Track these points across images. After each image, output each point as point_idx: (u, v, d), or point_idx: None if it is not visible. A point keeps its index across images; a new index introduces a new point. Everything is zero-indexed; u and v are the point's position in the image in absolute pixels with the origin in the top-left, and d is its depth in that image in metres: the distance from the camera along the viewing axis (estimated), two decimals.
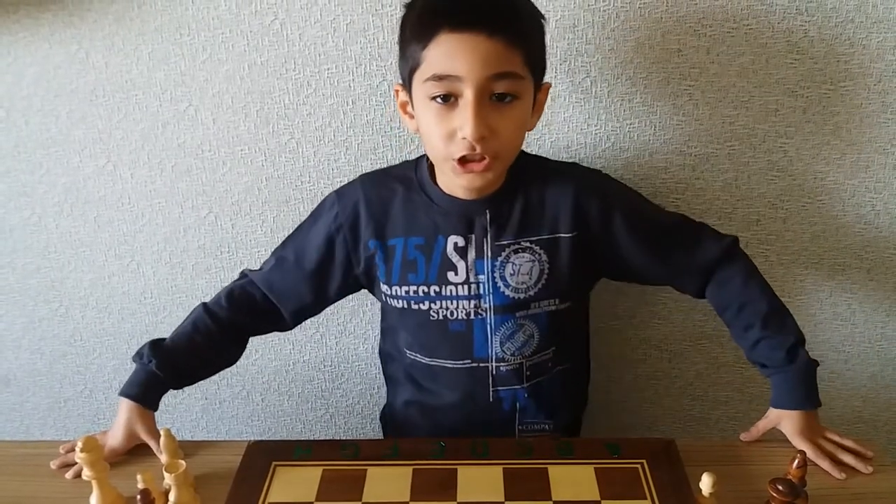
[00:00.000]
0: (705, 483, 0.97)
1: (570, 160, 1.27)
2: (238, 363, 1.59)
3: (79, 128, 1.39)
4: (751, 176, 1.39)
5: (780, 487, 0.88)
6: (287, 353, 1.59)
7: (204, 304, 1.22)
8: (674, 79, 1.31)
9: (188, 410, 1.64)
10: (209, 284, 1.52)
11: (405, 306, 1.17)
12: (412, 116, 1.09)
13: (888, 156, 1.36)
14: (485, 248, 1.13)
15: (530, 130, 1.10)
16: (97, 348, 1.61)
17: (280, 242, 1.24)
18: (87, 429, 1.01)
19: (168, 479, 1.00)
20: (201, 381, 1.64)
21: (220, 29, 1.30)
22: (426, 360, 1.21)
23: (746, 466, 1.07)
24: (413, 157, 1.24)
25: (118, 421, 1.11)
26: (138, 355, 1.15)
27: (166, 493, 1.01)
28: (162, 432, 1.05)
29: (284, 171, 1.41)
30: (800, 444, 1.07)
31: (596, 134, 1.36)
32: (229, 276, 1.50)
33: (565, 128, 1.35)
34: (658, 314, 1.53)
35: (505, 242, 1.13)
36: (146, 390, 1.12)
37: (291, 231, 1.24)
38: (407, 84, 1.06)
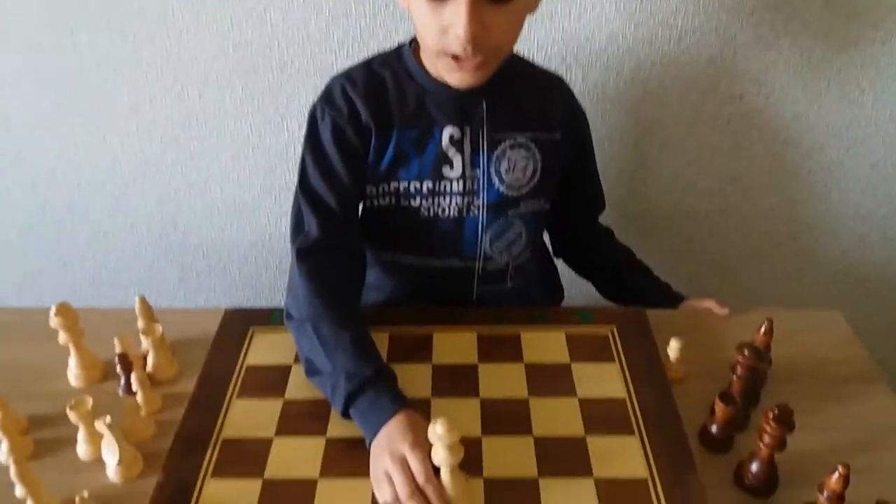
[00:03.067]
0: (673, 348, 0.99)
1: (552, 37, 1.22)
2: (212, 235, 1.59)
3: None
4: (736, 49, 1.35)
5: (746, 352, 0.90)
6: (262, 225, 1.57)
7: (320, 316, 0.97)
8: None
9: (164, 282, 1.65)
10: (178, 156, 1.49)
11: (392, 203, 1.10)
12: None
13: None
14: (481, 140, 1.06)
15: (532, 12, 1.02)
16: (68, 220, 1.58)
17: (295, 203, 1.07)
18: (62, 299, 0.99)
19: (145, 342, 1.02)
20: (176, 251, 1.63)
21: None
22: (408, 260, 1.17)
23: (714, 335, 1.09)
24: None
25: (409, 430, 0.86)
26: (358, 385, 0.91)
27: (144, 357, 1.03)
28: (137, 299, 1.05)
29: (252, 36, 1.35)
30: (705, 304, 1.17)
31: (581, 4, 1.31)
32: (198, 148, 1.47)
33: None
34: (635, 191, 1.53)
35: (502, 136, 1.08)
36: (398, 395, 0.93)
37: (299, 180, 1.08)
38: None
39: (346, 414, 0.91)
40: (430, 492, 0.80)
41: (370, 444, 0.87)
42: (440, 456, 0.79)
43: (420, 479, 0.80)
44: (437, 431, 0.77)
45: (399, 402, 0.89)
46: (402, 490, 0.80)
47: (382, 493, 0.82)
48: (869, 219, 1.56)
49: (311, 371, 0.96)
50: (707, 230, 1.59)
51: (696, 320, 1.13)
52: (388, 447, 0.84)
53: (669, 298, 1.22)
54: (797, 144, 1.46)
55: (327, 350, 0.94)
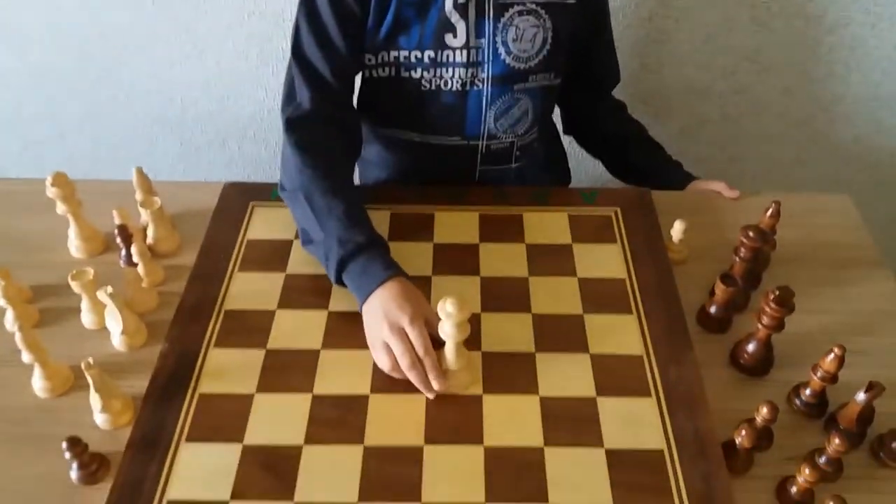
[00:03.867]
0: (676, 229, 0.98)
1: None
2: (210, 108, 1.55)
3: None
4: None
5: (751, 233, 0.89)
6: (261, 98, 1.53)
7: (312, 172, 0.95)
8: None
9: (164, 156, 1.62)
10: (172, 26, 1.42)
11: (392, 74, 1.05)
12: None
13: None
14: (486, 5, 1.00)
15: None
16: (61, 90, 1.54)
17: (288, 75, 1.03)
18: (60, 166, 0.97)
19: (145, 215, 1.01)
20: (174, 125, 1.60)
21: None
22: (409, 136, 1.13)
23: (719, 218, 1.08)
24: None
25: (405, 301, 0.85)
26: (350, 251, 0.90)
27: (144, 229, 1.02)
28: (134, 170, 1.03)
29: None
30: (714, 186, 1.14)
31: None
32: (192, 16, 1.40)
33: None
34: (648, 67, 1.47)
35: (510, 0, 1.01)
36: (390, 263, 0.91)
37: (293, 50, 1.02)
38: None
39: (339, 280, 0.91)
40: (428, 363, 0.81)
41: (362, 308, 0.87)
42: (447, 332, 0.80)
43: (419, 351, 0.82)
44: (447, 309, 0.77)
45: (391, 268, 0.88)
46: (403, 361, 0.82)
47: (381, 362, 0.84)
48: (888, 102, 1.50)
49: (306, 240, 0.95)
50: (719, 112, 1.54)
51: (702, 203, 1.11)
52: (385, 317, 0.83)
53: (679, 177, 1.19)
54: (820, 19, 1.39)
55: (320, 219, 0.92)
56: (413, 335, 0.82)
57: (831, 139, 1.57)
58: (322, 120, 1.00)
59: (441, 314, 0.79)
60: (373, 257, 0.89)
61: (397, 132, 1.14)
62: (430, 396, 0.83)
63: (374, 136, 1.17)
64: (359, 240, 0.89)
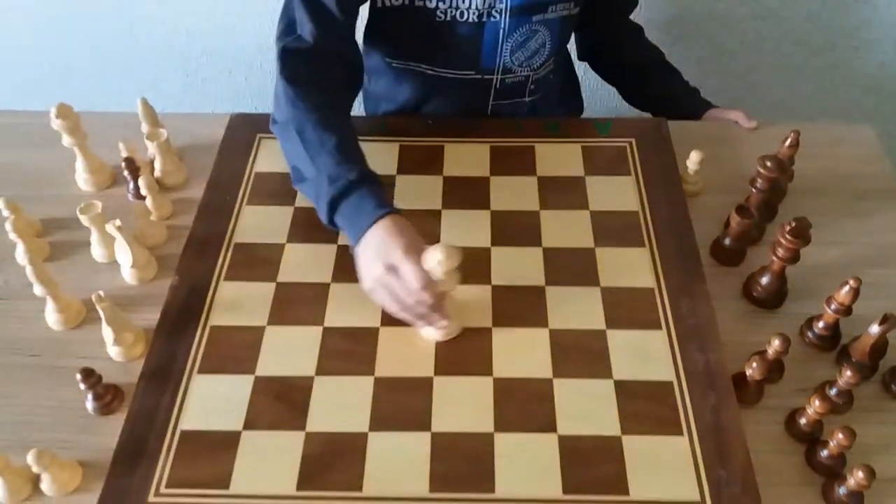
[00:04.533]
0: (692, 160, 0.96)
1: None
2: (216, 39, 1.51)
3: None
4: None
5: (769, 163, 0.87)
6: (267, 30, 1.48)
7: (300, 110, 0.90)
8: None
9: (170, 88, 1.60)
10: None
11: (405, 3, 1.01)
12: None
13: None
14: None
15: None
16: (65, 22, 1.51)
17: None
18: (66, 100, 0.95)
19: (151, 147, 1.00)
20: (179, 56, 1.56)
21: None
22: (420, 69, 1.09)
23: (736, 149, 1.06)
24: None
25: (398, 236, 0.81)
26: (341, 190, 0.85)
27: (151, 163, 1.01)
28: (139, 101, 1.02)
29: None
30: (732, 115, 1.11)
31: None
32: None
33: None
34: None
35: None
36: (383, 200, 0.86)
37: None
38: None
39: (332, 222, 0.86)
40: (426, 297, 0.78)
41: (355, 251, 0.83)
42: (437, 281, 0.78)
43: (413, 284, 0.78)
44: (436, 257, 0.76)
45: (384, 206, 0.83)
46: (399, 300, 0.79)
47: (379, 300, 0.82)
48: None
49: (297, 178, 0.91)
50: (739, 39, 1.49)
51: (719, 133, 1.09)
52: (379, 256, 0.80)
53: (696, 104, 1.16)
54: None
55: (311, 153, 0.87)
56: (406, 270, 0.77)
57: (854, 65, 1.51)
58: (323, 55, 0.95)
59: (431, 263, 0.76)
60: (364, 195, 0.84)
61: (409, 64, 1.10)
62: (433, 334, 0.82)
63: (383, 67, 1.13)
64: (350, 177, 0.84)
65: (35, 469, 0.69)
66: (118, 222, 0.84)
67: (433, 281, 0.78)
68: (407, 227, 0.82)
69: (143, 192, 0.93)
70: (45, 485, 0.71)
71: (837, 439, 0.69)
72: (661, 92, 1.19)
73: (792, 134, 0.93)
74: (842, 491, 0.69)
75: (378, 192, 0.85)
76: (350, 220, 0.84)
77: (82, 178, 1.00)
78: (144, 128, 1.01)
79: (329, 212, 0.85)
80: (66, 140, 0.96)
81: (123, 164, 0.95)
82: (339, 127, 0.90)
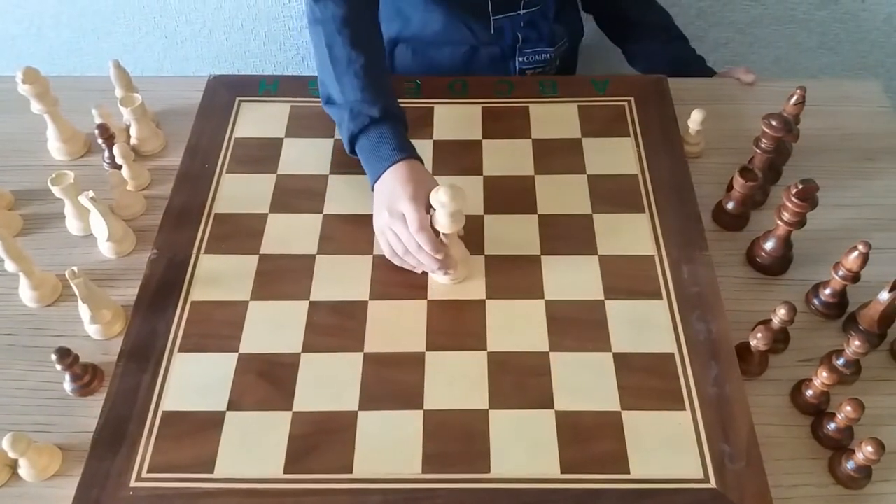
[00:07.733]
0: (694, 119, 0.92)
1: None
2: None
3: None
4: None
5: (774, 122, 0.83)
6: None
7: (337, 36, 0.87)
8: None
9: (148, 50, 1.53)
10: None
11: None
12: None
13: None
14: None
15: None
16: None
17: None
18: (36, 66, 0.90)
19: (126, 113, 0.95)
20: (158, 17, 1.50)
21: None
22: None
23: (739, 106, 1.01)
24: None
25: (408, 182, 0.80)
26: (361, 126, 0.85)
27: (126, 129, 0.96)
28: (110, 63, 0.96)
29: None
30: (733, 73, 1.08)
31: None
32: None
33: None
34: None
35: None
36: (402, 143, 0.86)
37: None
38: None
39: (353, 152, 0.87)
40: (422, 239, 0.76)
41: (373, 188, 0.84)
42: (441, 223, 0.76)
43: (413, 227, 0.76)
44: (440, 198, 0.74)
45: (401, 150, 0.82)
46: (400, 245, 0.79)
47: (383, 246, 0.82)
48: None
49: (327, 100, 0.90)
50: None
51: (721, 90, 1.04)
52: (387, 200, 0.80)
53: (703, 74, 1.12)
54: None
55: (337, 72, 0.86)
56: (409, 213, 0.77)
57: (861, 18, 1.46)
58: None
59: (434, 204, 0.75)
60: (385, 135, 0.83)
61: None
62: (442, 279, 0.80)
63: None
64: (372, 113, 0.84)
65: (11, 455, 0.67)
66: (91, 193, 0.80)
67: (433, 227, 0.77)
68: (419, 173, 0.81)
69: (119, 160, 0.88)
70: (24, 470, 0.69)
71: (845, 411, 0.66)
72: (666, 55, 1.14)
73: (798, 91, 0.89)
74: (849, 465, 0.67)
75: (398, 134, 0.84)
76: (368, 160, 0.85)
77: (54, 147, 0.95)
78: (118, 92, 0.96)
79: (349, 144, 0.87)
80: (35, 106, 0.91)
81: (97, 132, 0.90)
82: (369, 48, 0.88)
